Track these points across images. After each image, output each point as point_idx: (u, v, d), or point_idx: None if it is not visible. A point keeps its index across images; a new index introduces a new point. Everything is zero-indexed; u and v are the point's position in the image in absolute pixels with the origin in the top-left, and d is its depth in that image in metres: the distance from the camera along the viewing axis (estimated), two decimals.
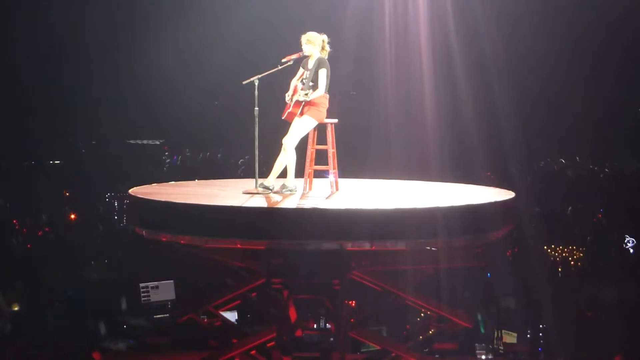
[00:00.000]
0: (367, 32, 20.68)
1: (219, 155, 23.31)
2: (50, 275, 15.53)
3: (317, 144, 10.99)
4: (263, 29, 21.48)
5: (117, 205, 20.07)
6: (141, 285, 15.66)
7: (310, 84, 10.61)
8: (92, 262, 16.70)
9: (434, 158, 19.11)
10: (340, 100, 11.89)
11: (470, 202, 10.31)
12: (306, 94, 10.54)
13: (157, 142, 24.90)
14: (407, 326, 14.10)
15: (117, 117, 23.11)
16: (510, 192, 11.15)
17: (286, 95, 10.73)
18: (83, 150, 24.40)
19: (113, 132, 23.89)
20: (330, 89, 10.75)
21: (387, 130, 20.90)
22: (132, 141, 24.74)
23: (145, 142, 24.92)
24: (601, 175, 21.09)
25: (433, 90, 20.58)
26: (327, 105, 10.72)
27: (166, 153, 23.30)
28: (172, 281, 15.88)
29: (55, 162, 23.57)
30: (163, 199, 10.14)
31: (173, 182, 13.58)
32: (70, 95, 22.60)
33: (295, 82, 10.79)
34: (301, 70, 10.83)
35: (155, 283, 15.80)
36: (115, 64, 22.20)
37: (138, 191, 10.84)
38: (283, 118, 10.74)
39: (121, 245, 17.44)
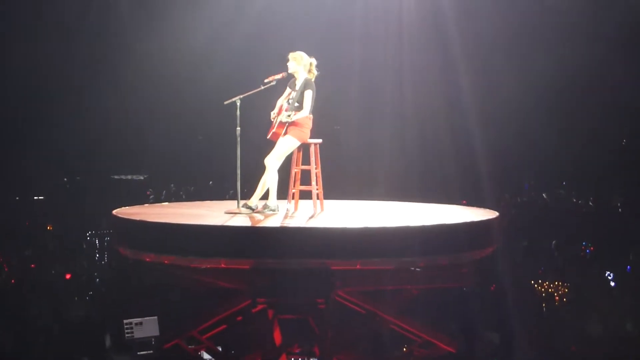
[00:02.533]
0: (348, 56, 20.95)
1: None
2: (34, 311, 15.39)
3: (302, 165, 11.03)
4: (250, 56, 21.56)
5: (98, 243, 20.04)
6: (125, 321, 15.50)
7: (296, 104, 10.68)
8: (76, 299, 16.56)
9: (421, 183, 19.29)
10: (325, 126, 11.97)
11: (454, 221, 10.35)
12: (289, 115, 10.61)
13: (141, 177, 24.86)
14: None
15: (101, 151, 23.16)
16: (494, 212, 11.20)
17: (271, 113, 10.81)
18: (68, 186, 24.34)
19: (97, 167, 23.89)
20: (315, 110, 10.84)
21: (372, 154, 21.08)
22: (116, 176, 24.70)
23: (129, 177, 24.88)
24: (584, 210, 21.14)
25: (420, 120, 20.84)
26: (310, 125, 10.79)
27: (150, 189, 23.24)
28: (155, 317, 15.72)
29: (40, 197, 23.48)
30: (146, 219, 10.13)
31: (166, 204, 13.58)
32: (54, 129, 22.57)
33: (281, 101, 10.88)
34: (288, 89, 10.92)
35: (139, 319, 15.63)
36: (101, 96, 22.20)
37: (122, 212, 10.84)
38: (268, 138, 10.81)
39: (104, 281, 17.33)
